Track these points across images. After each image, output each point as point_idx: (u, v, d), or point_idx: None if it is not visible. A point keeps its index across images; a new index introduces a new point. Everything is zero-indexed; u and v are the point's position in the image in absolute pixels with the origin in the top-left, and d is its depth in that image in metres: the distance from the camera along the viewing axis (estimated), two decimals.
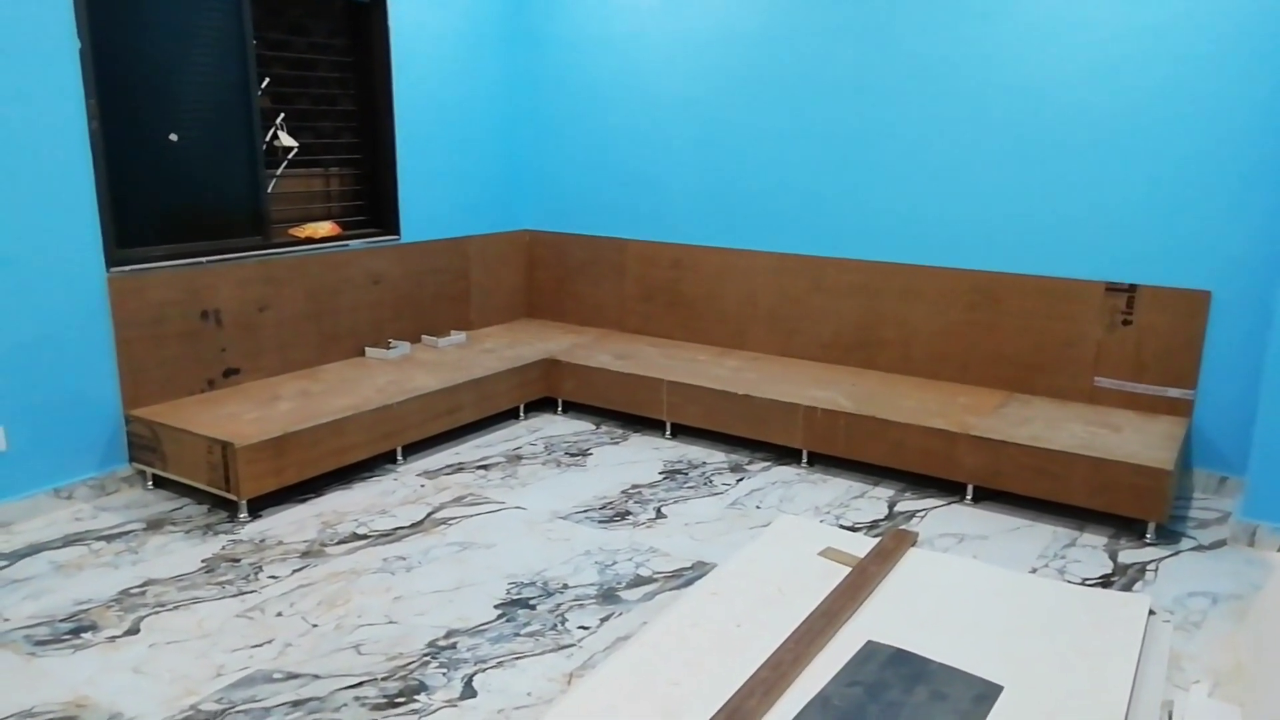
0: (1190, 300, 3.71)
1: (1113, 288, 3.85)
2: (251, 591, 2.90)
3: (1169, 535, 3.41)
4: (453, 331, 5.00)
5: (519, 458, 4.11)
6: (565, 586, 2.97)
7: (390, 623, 2.73)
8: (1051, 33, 3.81)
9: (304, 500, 3.60)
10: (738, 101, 4.62)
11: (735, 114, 4.64)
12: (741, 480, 3.90)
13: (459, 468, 3.98)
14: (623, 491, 3.76)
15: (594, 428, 4.54)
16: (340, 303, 4.43)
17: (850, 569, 3.11)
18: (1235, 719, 2.36)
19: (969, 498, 3.71)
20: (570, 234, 5.33)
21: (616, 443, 4.34)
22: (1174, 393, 3.80)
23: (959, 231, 4.15)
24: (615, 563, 3.14)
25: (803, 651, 2.57)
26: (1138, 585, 3.05)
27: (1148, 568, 3.18)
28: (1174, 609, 2.90)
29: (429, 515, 3.48)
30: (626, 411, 4.47)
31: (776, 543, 3.27)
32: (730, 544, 3.30)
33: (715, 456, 4.16)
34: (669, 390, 4.30)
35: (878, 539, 3.32)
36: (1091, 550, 3.30)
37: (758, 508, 3.63)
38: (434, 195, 4.88)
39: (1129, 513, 3.35)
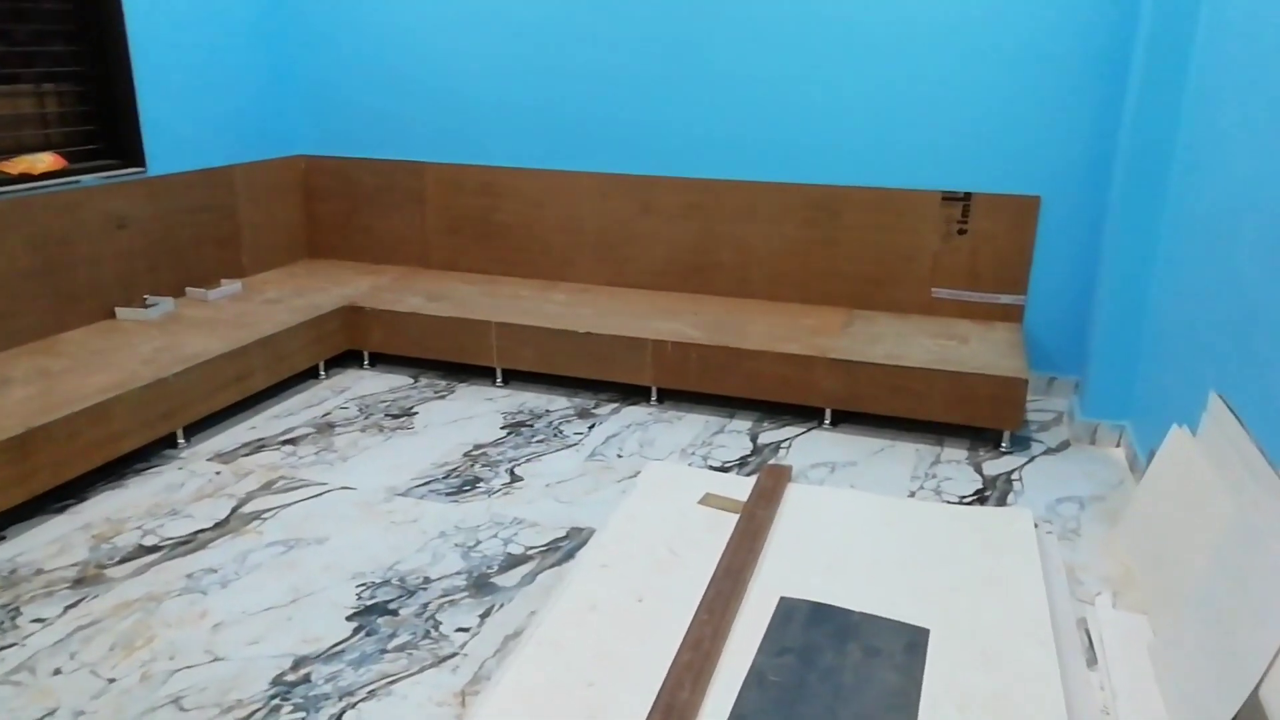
0: (1022, 206, 3.72)
1: (949, 197, 3.80)
2: (10, 645, 2.22)
3: (1019, 442, 3.44)
4: (224, 281, 4.22)
5: (331, 426, 3.52)
6: (427, 580, 2.52)
7: (215, 660, 2.18)
8: None
9: (63, 509, 2.86)
10: (552, 4, 4.10)
11: (549, 16, 4.12)
12: (593, 427, 3.55)
13: (259, 445, 3.34)
14: (465, 454, 3.30)
15: (412, 381, 4.01)
16: (76, 254, 3.56)
17: (737, 515, 2.87)
18: (1145, 629, 2.36)
19: (827, 422, 3.58)
20: (355, 158, 4.63)
21: (442, 396, 3.84)
22: (1006, 299, 3.84)
23: (795, 145, 3.94)
24: (478, 542, 2.72)
25: (719, 622, 2.30)
26: (1010, 497, 3.04)
27: (1012, 477, 3.18)
28: (1050, 518, 2.90)
29: (235, 510, 2.87)
30: (448, 360, 3.97)
31: (651, 495, 2.98)
32: (601, 503, 2.97)
33: (558, 403, 3.78)
34: (498, 333, 3.84)
35: (752, 477, 3.11)
36: (957, 465, 3.26)
37: (619, 456, 3.30)
38: (187, 115, 4.02)
39: (987, 424, 3.35)
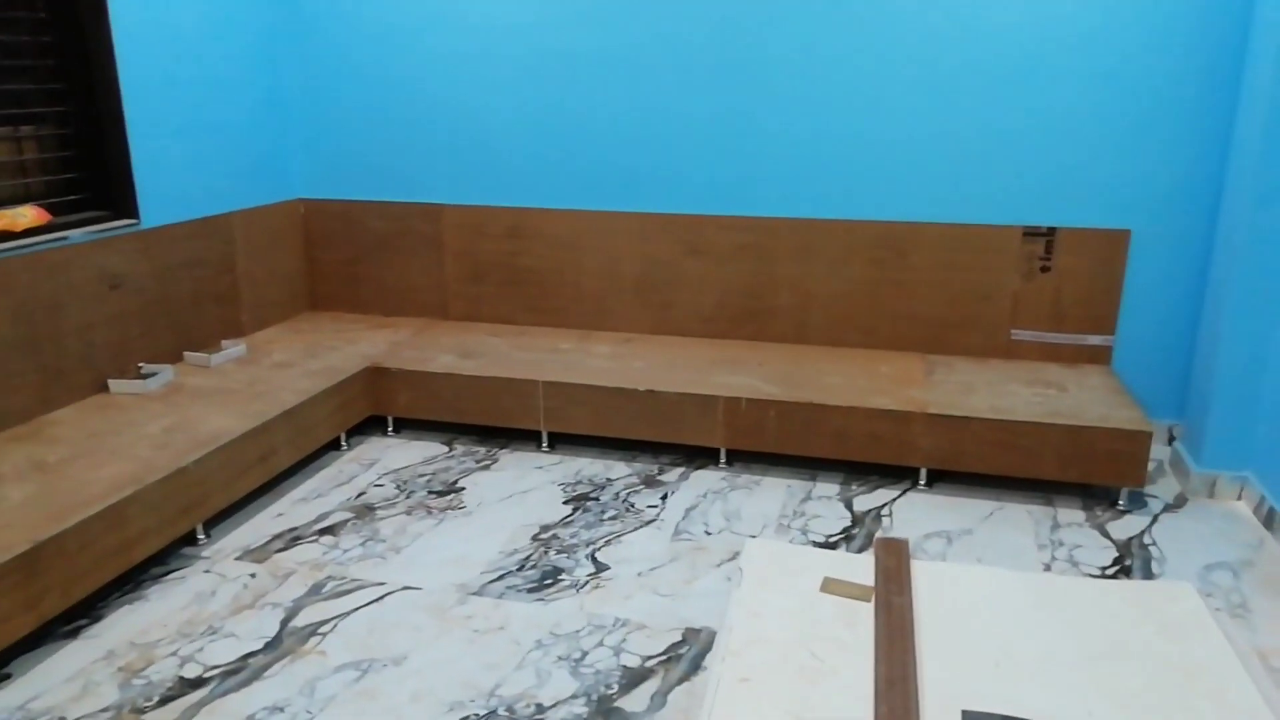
0: (1111, 240, 3.47)
1: (1030, 232, 3.54)
2: None
3: (1134, 499, 3.16)
4: (224, 342, 3.75)
5: (370, 509, 3.09)
6: (540, 709, 2.11)
7: None
8: None
9: (75, 632, 2.39)
10: (584, 29, 3.76)
11: (581, 44, 3.78)
12: (666, 497, 3.18)
13: (293, 538, 2.89)
14: (533, 538, 2.90)
15: (446, 449, 3.58)
16: (65, 321, 3.08)
17: (866, 603, 2.53)
18: None
19: (922, 482, 3.26)
20: (361, 201, 4.21)
21: (486, 466, 3.43)
22: (1094, 340, 3.58)
23: (858, 179, 3.65)
24: (584, 654, 2.32)
25: None
26: (1153, 565, 2.75)
27: (1144, 541, 2.90)
28: (1208, 590, 2.62)
29: (285, 625, 2.42)
30: (485, 424, 3.56)
31: (763, 583, 2.61)
32: (706, 593, 2.59)
33: (617, 469, 3.40)
34: (546, 393, 3.45)
35: (865, 555, 2.77)
36: (1079, 529, 2.97)
37: (707, 533, 2.93)
38: (180, 158, 3.57)
39: (1105, 481, 3.06)
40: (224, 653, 2.30)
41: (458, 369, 3.55)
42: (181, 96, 3.53)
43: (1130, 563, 2.76)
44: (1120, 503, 3.11)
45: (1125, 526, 2.98)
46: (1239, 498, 3.16)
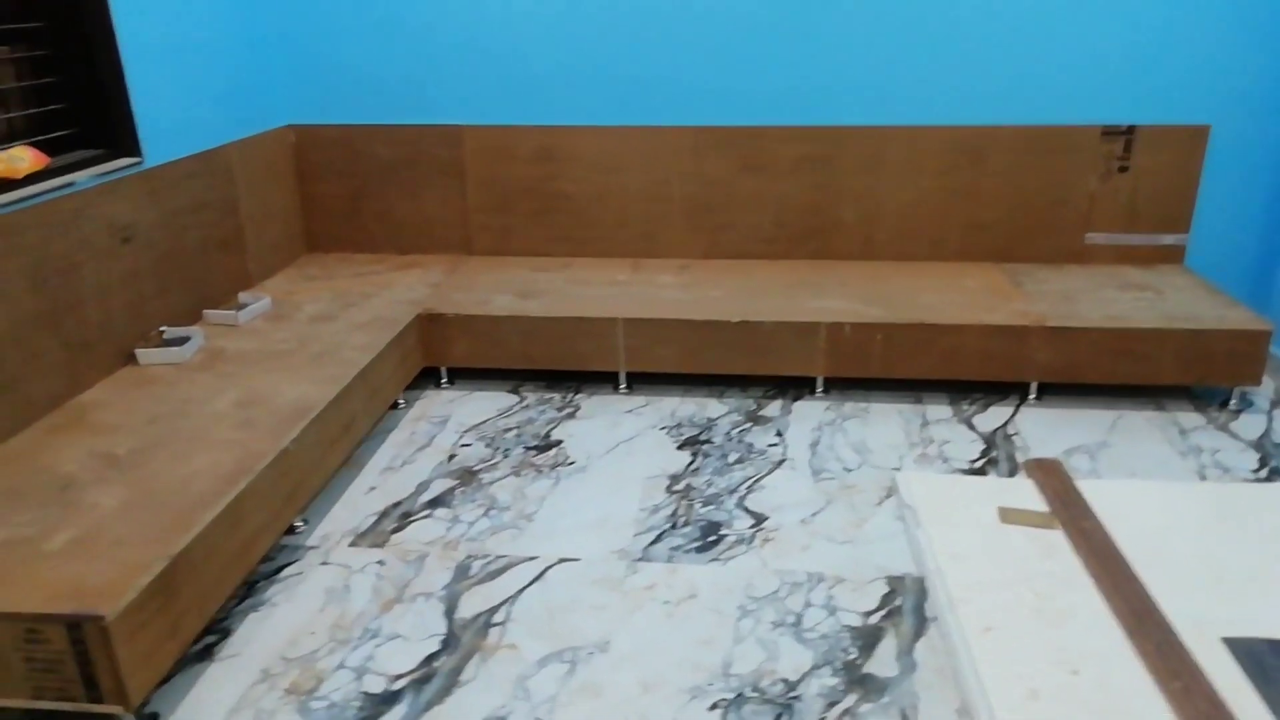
0: (1191, 137, 3.40)
1: (1109, 131, 3.42)
2: None
3: (1241, 397, 3.15)
4: (242, 296, 3.28)
5: (472, 473, 2.76)
6: (788, 684, 1.91)
7: None
8: None
9: (210, 653, 2.02)
10: None
11: None
12: (780, 434, 2.97)
13: (403, 514, 2.55)
14: (668, 490, 2.66)
15: (518, 399, 3.26)
16: (83, 284, 2.57)
17: (1053, 530, 2.41)
18: None
19: (1033, 396, 3.17)
20: (364, 125, 3.72)
21: (571, 414, 3.14)
22: (1168, 239, 3.54)
23: (930, 81, 3.43)
24: (798, 617, 2.12)
25: (1196, 684, 1.85)
26: None
27: (1275, 440, 2.89)
28: None
29: (452, 617, 2.12)
30: (557, 369, 3.25)
31: (941, 522, 2.45)
32: (883, 535, 2.44)
33: (713, 407, 3.16)
34: (627, 331, 3.16)
35: (1018, 478, 2.66)
36: (1209, 433, 2.95)
37: (846, 470, 2.76)
38: (170, 82, 3.02)
39: (1221, 382, 3.04)
40: (399, 658, 1.99)
41: (522, 310, 3.21)
42: (163, 6, 2.96)
43: (1276, 464, 2.75)
44: (1231, 403, 3.10)
45: (1250, 426, 2.97)
46: None
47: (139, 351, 2.75)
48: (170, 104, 2.98)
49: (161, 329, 2.90)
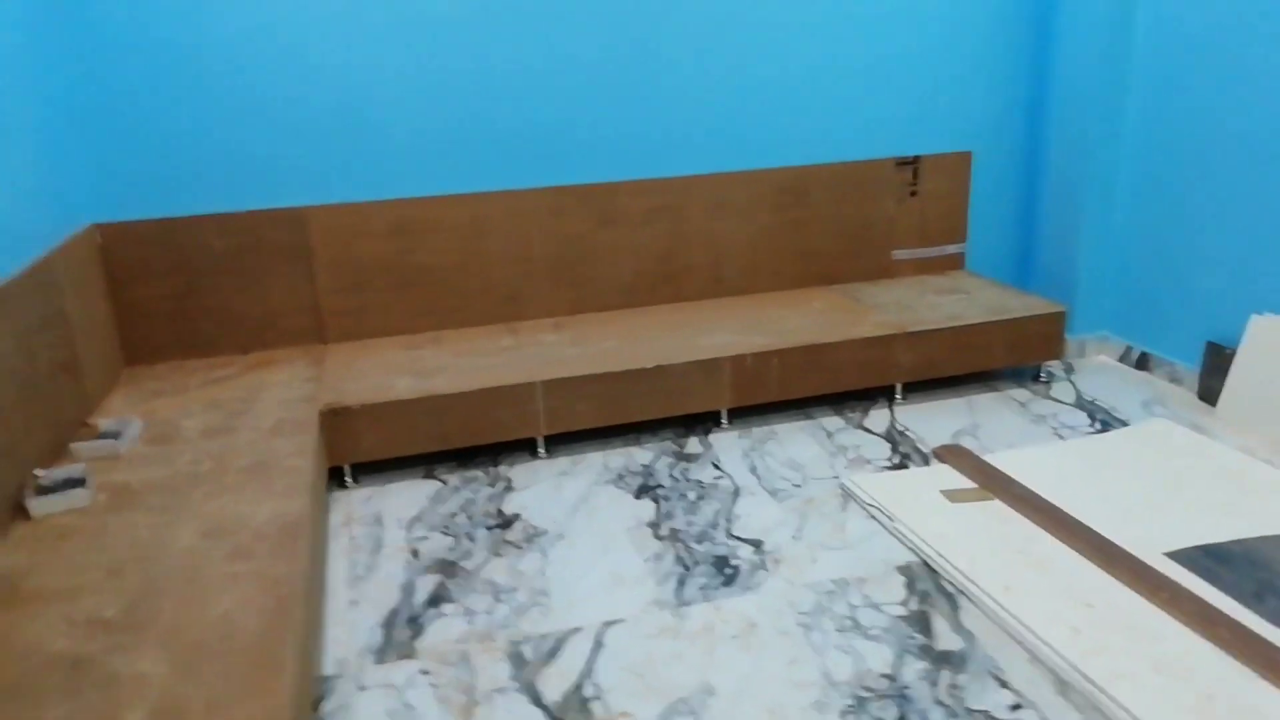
0: (958, 162, 4.09)
1: (901, 162, 4.02)
2: None
3: (1045, 371, 3.83)
4: (104, 422, 2.82)
5: (450, 564, 2.62)
6: (886, 677, 2.08)
7: None
8: None
9: None
10: None
11: (464, 5, 3.40)
12: (718, 465, 3.14)
13: (412, 621, 2.37)
14: (656, 537, 2.71)
15: (440, 484, 3.12)
16: None
17: (993, 500, 2.82)
18: None
19: (898, 397, 3.62)
20: (188, 217, 3.36)
21: (508, 486, 3.06)
22: (951, 249, 4.21)
23: (760, 130, 3.82)
24: (853, 619, 2.30)
25: (1177, 592, 2.29)
26: (1116, 413, 3.41)
27: (1088, 398, 3.56)
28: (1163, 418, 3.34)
29: (544, 704, 2.03)
30: (470, 444, 3.15)
31: (904, 510, 2.76)
32: (869, 534, 2.70)
33: (639, 455, 3.25)
34: (547, 393, 3.16)
35: (936, 466, 3.07)
36: (1042, 401, 3.56)
37: (796, 486, 2.99)
38: None
39: (1036, 360, 3.69)
40: None
41: (431, 390, 3.09)
42: None
43: (1099, 417, 3.39)
44: (1042, 376, 3.76)
45: (1065, 391, 3.63)
46: (1099, 354, 3.99)
47: (32, 502, 2.29)
48: None
49: (36, 472, 2.43)
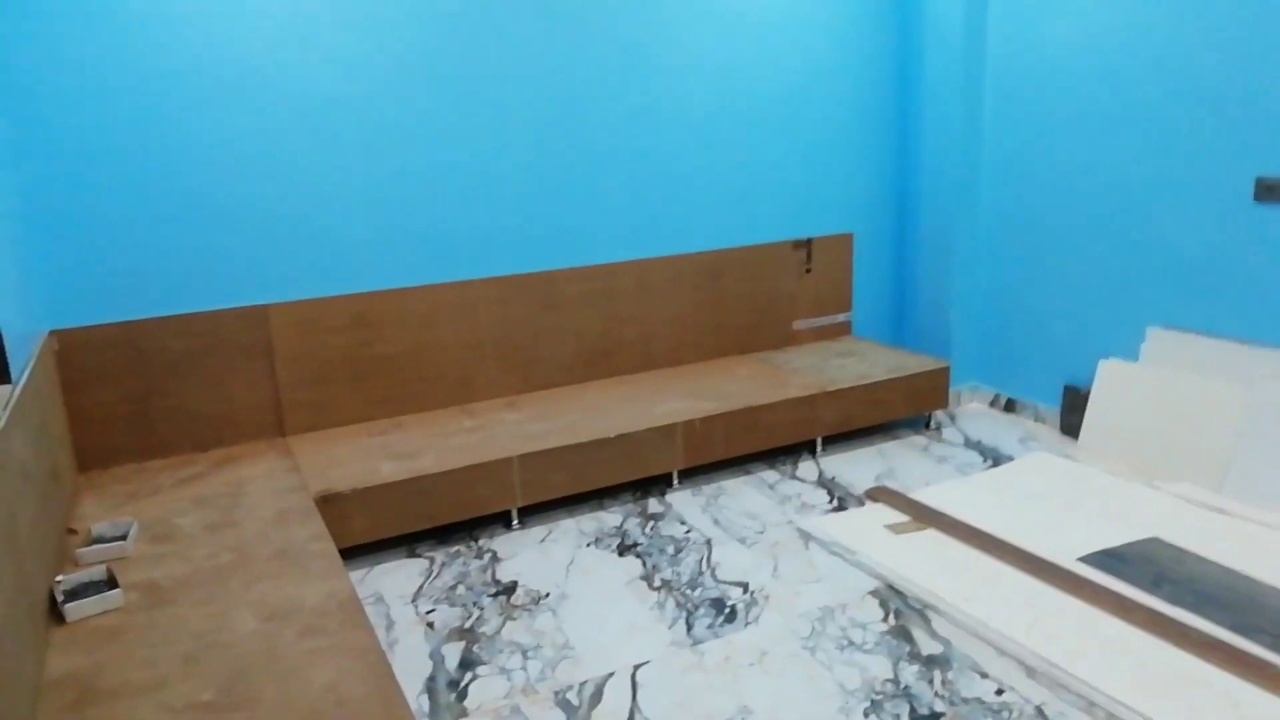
0: (843, 243, 4.68)
1: (797, 244, 4.57)
2: None
3: (930, 417, 4.41)
4: (96, 526, 2.83)
5: (469, 631, 2.79)
6: (892, 681, 2.45)
7: None
8: (723, 20, 4.17)
9: None
10: (414, 98, 3.67)
11: (413, 114, 3.68)
12: (684, 522, 3.46)
13: (452, 685, 2.53)
14: (653, 589, 2.99)
15: (427, 561, 3.27)
16: None
17: (931, 530, 3.28)
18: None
19: (819, 449, 4.08)
20: (147, 319, 3.41)
21: (495, 558, 3.26)
22: (841, 317, 4.78)
23: (680, 219, 4.26)
24: (847, 638, 2.66)
25: (1101, 593, 2.79)
26: (1005, 450, 3.99)
27: (974, 439, 4.15)
28: (1044, 451, 3.95)
29: None
30: (450, 521, 3.34)
31: (868, 545, 3.17)
32: (838, 570, 3.08)
33: (607, 519, 3.53)
34: (522, 467, 3.40)
35: (872, 505, 3.52)
36: (941, 445, 4.11)
37: (759, 533, 3.35)
38: None
39: (927, 410, 4.26)
40: None
41: (415, 471, 3.26)
42: None
43: (988, 454, 3.97)
44: (931, 423, 4.33)
45: (954, 435, 4.20)
46: (970, 401, 4.63)
47: (69, 607, 2.32)
48: None
49: (58, 579, 2.45)
